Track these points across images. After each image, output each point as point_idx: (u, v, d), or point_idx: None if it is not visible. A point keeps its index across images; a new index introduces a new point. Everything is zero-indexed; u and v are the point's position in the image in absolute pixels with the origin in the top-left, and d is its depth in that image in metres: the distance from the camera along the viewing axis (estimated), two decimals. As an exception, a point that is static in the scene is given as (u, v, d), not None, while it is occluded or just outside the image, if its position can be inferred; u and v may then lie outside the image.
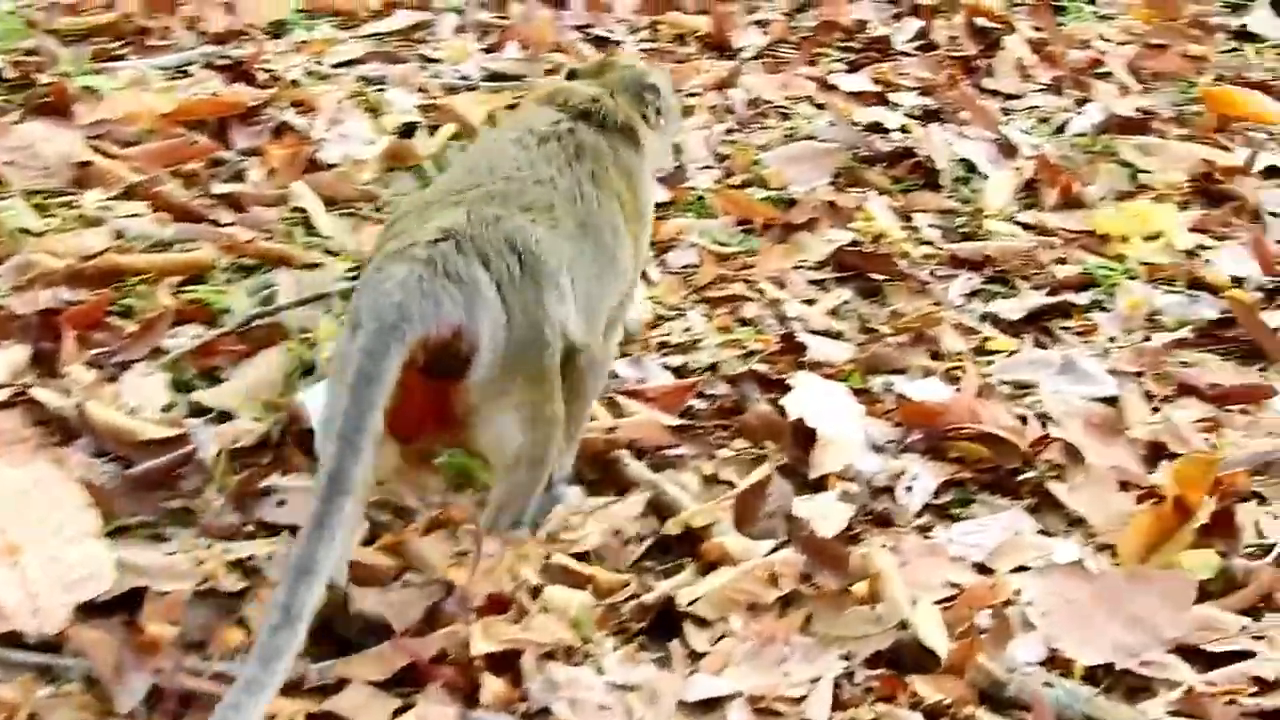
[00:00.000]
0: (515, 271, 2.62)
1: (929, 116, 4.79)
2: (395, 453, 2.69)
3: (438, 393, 2.61)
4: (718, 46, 5.39)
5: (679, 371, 3.40)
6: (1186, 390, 3.39)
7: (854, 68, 5.21)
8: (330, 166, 4.22)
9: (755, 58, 5.30)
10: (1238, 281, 3.86)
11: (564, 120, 2.97)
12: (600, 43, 5.28)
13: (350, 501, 2.33)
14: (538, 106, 3.05)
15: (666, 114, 3.18)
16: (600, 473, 3.04)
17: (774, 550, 2.77)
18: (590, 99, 3.02)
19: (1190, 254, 4.01)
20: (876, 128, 4.63)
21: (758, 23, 5.65)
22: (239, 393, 3.21)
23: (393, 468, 2.76)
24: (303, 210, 3.96)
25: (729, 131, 4.67)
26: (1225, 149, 4.55)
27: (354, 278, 3.51)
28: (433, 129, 4.41)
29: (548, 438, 2.70)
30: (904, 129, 4.64)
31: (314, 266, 3.70)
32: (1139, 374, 3.45)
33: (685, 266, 3.88)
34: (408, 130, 4.42)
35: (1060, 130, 4.75)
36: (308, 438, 3.01)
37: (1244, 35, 5.59)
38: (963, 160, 4.48)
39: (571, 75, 3.23)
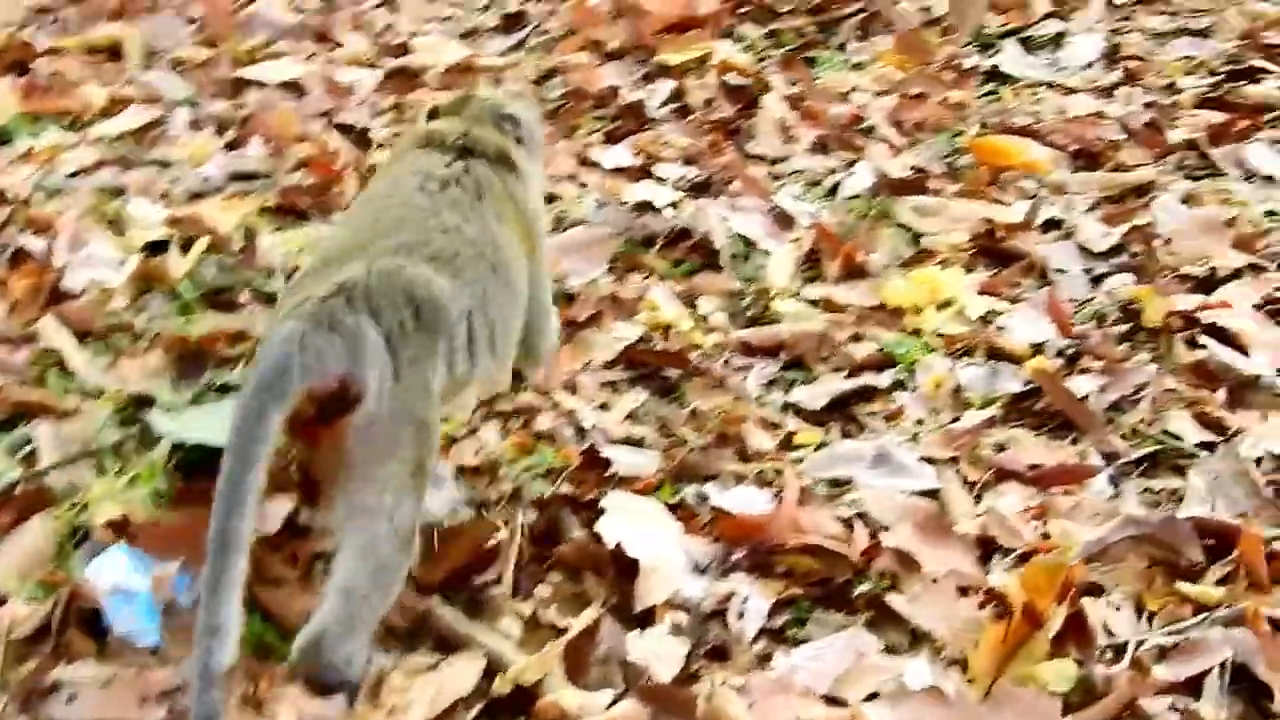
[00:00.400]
0: (408, 322, 2.70)
1: (698, 189, 4.70)
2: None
3: (336, 433, 2.66)
4: (468, 124, 5.24)
5: (483, 506, 3.23)
6: (1005, 475, 3.34)
7: (612, 139, 5.09)
8: (77, 295, 3.95)
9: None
10: (1037, 348, 3.84)
11: (454, 160, 3.07)
12: (346, 130, 5.08)
13: (242, 557, 2.42)
14: (419, 150, 3.13)
15: (529, 141, 3.28)
16: (414, 624, 2.86)
17: (613, 703, 2.65)
18: (464, 134, 3.14)
19: (984, 320, 3.98)
20: (647, 207, 4.52)
21: (506, 95, 5.51)
22: (8, 571, 2.97)
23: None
24: (54, 350, 3.69)
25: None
26: (1003, 204, 4.54)
27: (124, 421, 3.35)
28: (185, 245, 4.16)
29: (410, 520, 2.68)
30: (675, 205, 4.54)
31: (73, 414, 3.44)
32: (954, 460, 3.40)
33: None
34: (156, 247, 4.16)
35: (832, 193, 4.70)
36: (94, 618, 2.83)
37: (997, 76, 5.62)
38: (740, 235, 4.38)
39: (433, 114, 3.30)
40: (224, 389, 3.55)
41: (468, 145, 3.12)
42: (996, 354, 3.85)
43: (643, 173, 4.82)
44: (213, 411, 3.37)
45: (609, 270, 4.24)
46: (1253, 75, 5.52)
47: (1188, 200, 4.60)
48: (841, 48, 5.89)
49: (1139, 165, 4.82)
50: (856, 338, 3.93)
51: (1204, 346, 3.80)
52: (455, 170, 3.05)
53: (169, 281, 4.01)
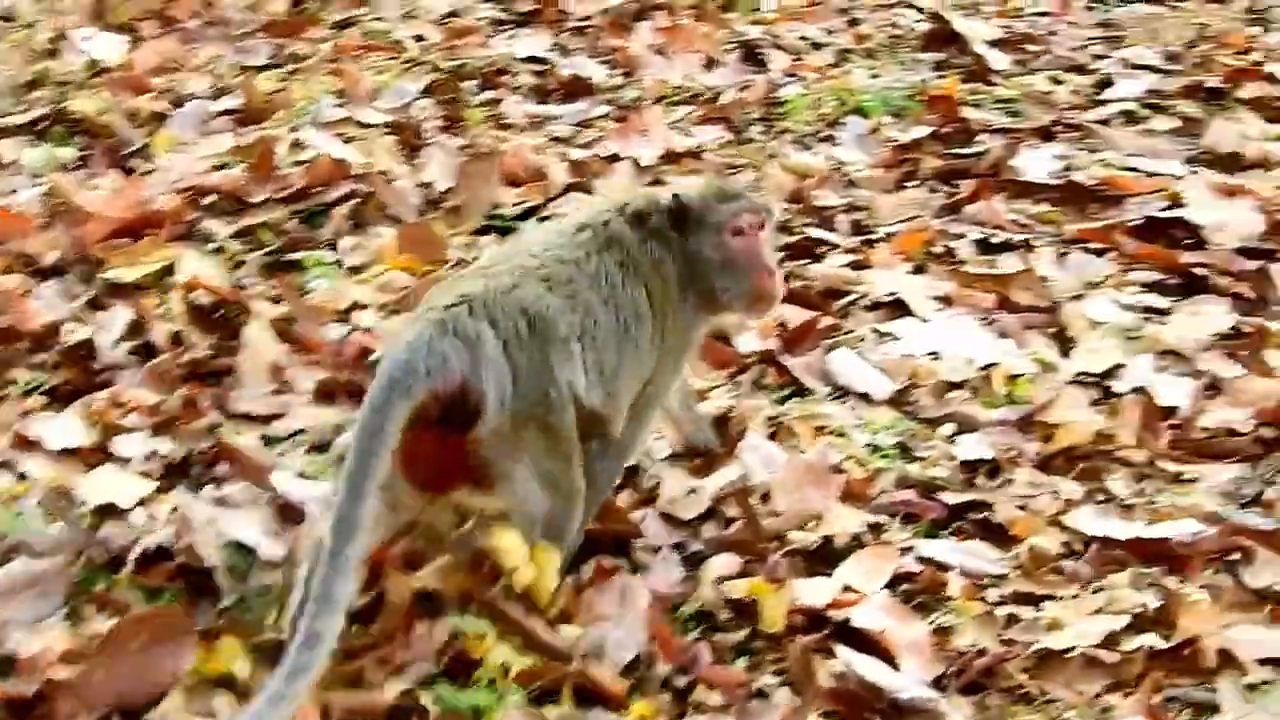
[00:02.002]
0: (523, 332, 3.18)
1: (175, 472, 3.83)
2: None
3: (455, 446, 3.15)
4: None
5: None
6: None
7: (56, 400, 4.15)
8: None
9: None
10: (635, 682, 3.17)
11: (605, 214, 3.53)
12: None
13: (359, 541, 2.91)
14: (595, 204, 3.79)
15: (699, 235, 3.55)
16: None
17: None
18: (634, 199, 3.59)
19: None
20: (110, 510, 3.61)
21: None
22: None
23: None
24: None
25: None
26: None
27: None
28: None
29: (567, 509, 3.27)
30: (145, 502, 3.66)
31: None
32: None
33: None
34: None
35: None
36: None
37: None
38: (235, 544, 3.53)
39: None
40: None
41: (626, 207, 3.55)
42: (586, 694, 3.13)
43: (100, 453, 3.90)
44: None
45: (66, 614, 3.31)
46: (813, 251, 4.99)
47: (776, 434, 4.04)
48: (333, 245, 5.05)
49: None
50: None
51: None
52: (596, 220, 3.51)
53: None
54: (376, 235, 5.10)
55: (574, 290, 3.33)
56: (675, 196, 3.55)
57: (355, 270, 4.93)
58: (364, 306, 4.66)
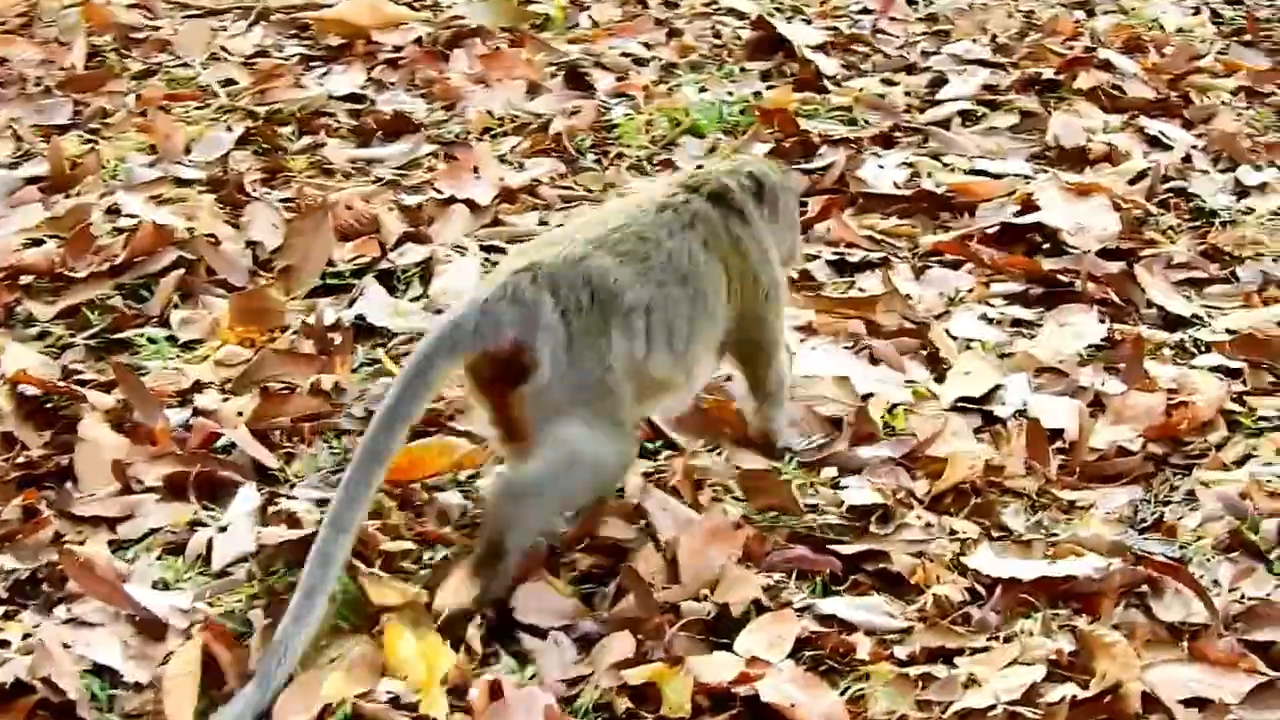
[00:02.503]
0: (584, 302, 3.43)
1: (23, 589, 3.67)
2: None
3: (506, 399, 3.44)
4: None
5: None
6: None
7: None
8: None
9: None
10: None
11: (682, 193, 3.80)
12: None
13: (380, 472, 3.30)
14: (666, 184, 3.99)
15: (771, 202, 3.98)
16: None
17: None
18: (708, 179, 3.87)
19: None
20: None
21: None
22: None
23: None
24: None
25: None
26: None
27: None
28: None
29: (588, 482, 3.57)
30: (-5, 627, 3.44)
31: None
32: None
33: None
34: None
35: (207, 561, 3.71)
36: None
37: (366, 331, 4.69)
38: (94, 669, 3.33)
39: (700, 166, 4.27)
40: None
41: (696, 184, 3.84)
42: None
43: None
44: None
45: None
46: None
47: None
48: (163, 320, 4.80)
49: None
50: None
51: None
52: (675, 199, 3.78)
53: None
54: (208, 306, 4.86)
55: (648, 266, 3.58)
56: (751, 174, 3.94)
57: (189, 346, 4.69)
58: (204, 387, 4.44)
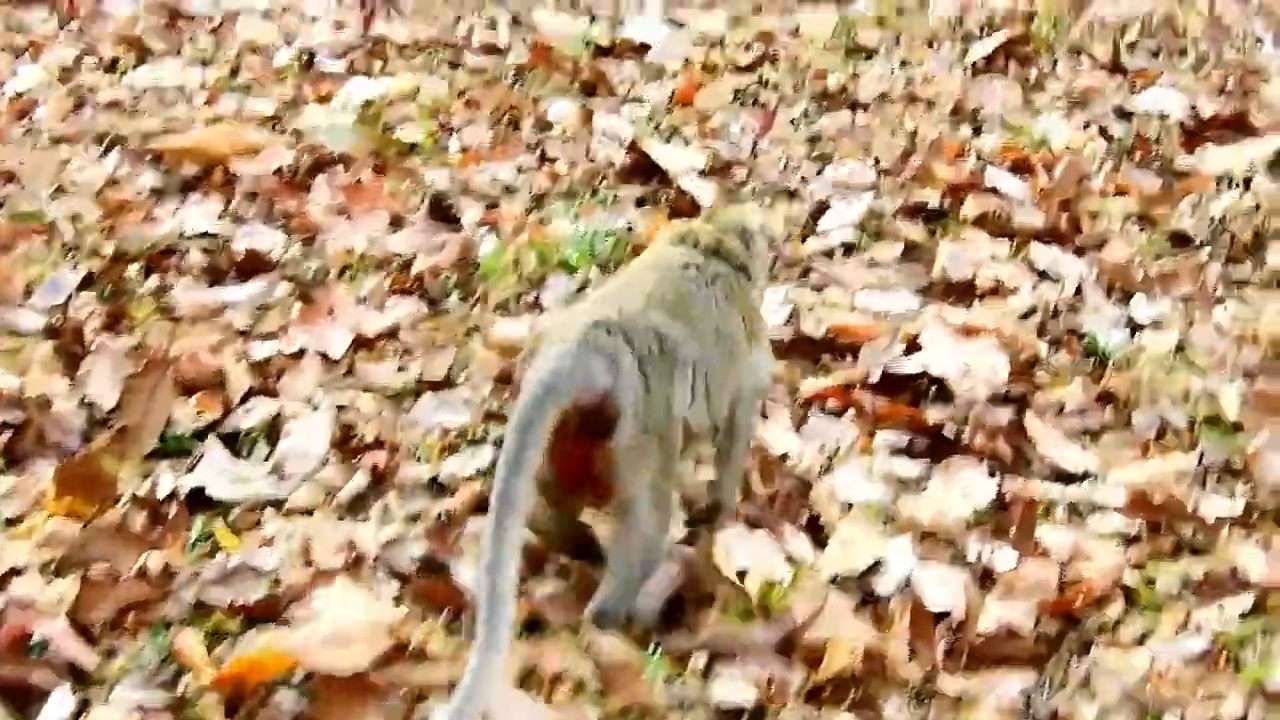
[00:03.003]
0: (655, 353, 3.65)
1: None
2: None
3: (590, 453, 3.59)
4: None
5: None
6: None
7: None
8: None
9: None
10: None
11: (697, 255, 4.08)
12: None
13: (520, 518, 3.30)
14: (670, 245, 4.16)
15: (760, 257, 4.32)
16: None
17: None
18: (715, 239, 4.16)
19: None
20: None
21: None
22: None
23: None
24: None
25: None
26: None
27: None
28: None
29: (663, 533, 3.76)
30: None
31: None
32: None
33: None
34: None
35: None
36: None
37: (203, 503, 4.37)
38: None
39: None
40: None
41: (714, 248, 4.11)
42: None
43: None
44: None
45: None
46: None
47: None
48: (-2, 500, 4.44)
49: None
50: None
51: None
52: (694, 260, 4.03)
53: None
54: (35, 475, 4.52)
55: (691, 320, 3.83)
56: (745, 230, 4.24)
57: (12, 522, 4.34)
58: (22, 571, 4.09)
